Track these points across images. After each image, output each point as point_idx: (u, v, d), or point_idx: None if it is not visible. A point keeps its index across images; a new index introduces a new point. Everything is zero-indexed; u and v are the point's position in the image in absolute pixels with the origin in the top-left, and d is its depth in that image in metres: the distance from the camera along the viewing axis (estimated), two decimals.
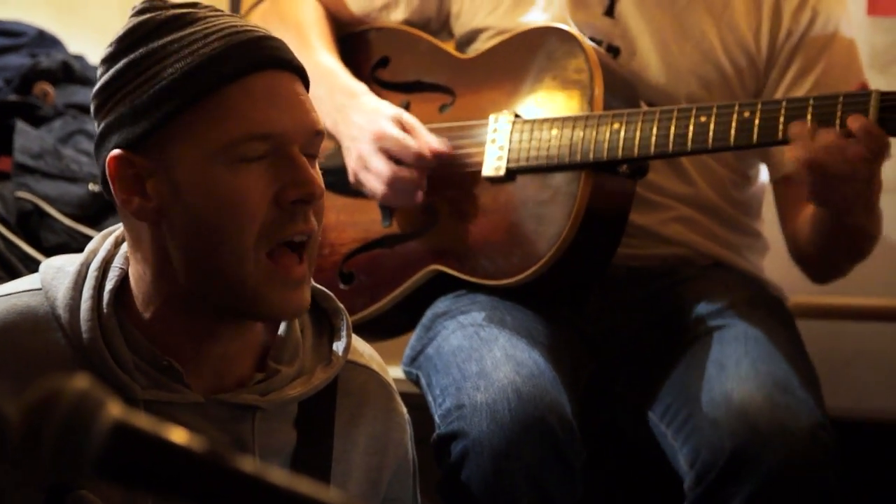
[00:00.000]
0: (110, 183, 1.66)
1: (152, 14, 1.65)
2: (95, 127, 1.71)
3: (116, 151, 1.63)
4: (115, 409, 0.92)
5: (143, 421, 0.93)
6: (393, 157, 2.22)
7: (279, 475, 0.91)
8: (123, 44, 1.65)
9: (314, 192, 1.62)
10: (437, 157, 2.22)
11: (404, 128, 2.24)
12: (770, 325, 2.17)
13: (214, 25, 1.63)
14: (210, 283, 1.65)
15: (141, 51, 1.63)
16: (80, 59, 3.01)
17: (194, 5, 1.67)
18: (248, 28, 1.64)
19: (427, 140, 2.22)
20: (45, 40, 3.05)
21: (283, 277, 1.64)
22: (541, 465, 2.03)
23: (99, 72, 1.68)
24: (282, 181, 1.62)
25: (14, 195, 2.71)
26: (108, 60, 1.67)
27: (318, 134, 1.66)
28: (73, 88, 2.92)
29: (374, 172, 2.24)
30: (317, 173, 1.65)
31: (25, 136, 2.77)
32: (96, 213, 2.75)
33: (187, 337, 1.68)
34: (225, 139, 1.62)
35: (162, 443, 0.92)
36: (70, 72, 2.94)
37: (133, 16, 1.67)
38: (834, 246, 2.21)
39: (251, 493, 0.92)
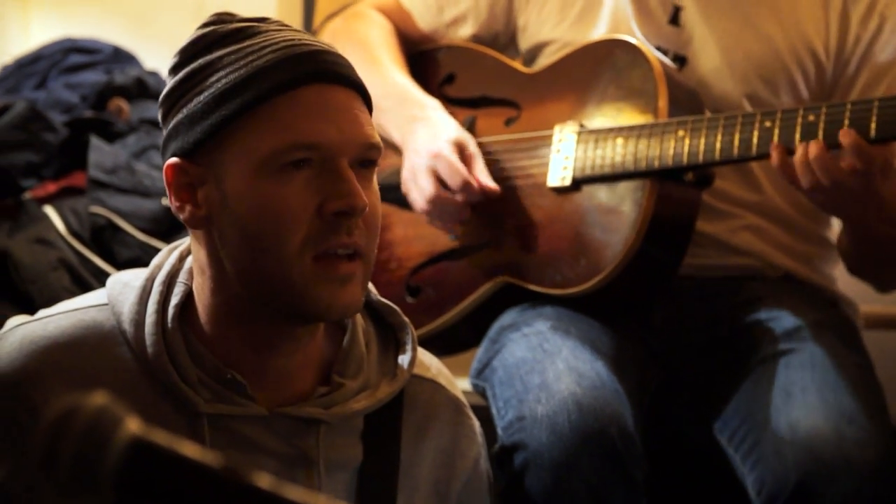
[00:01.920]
0: (167, 190, 1.68)
1: (215, 27, 1.66)
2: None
3: (173, 160, 1.66)
4: (133, 426, 0.92)
5: (160, 437, 0.93)
6: (441, 180, 2.23)
7: (295, 492, 0.92)
8: (185, 55, 1.67)
9: (355, 205, 1.61)
10: (484, 192, 2.23)
11: (464, 155, 2.26)
12: (839, 349, 2.14)
13: (272, 39, 1.63)
14: (261, 288, 1.64)
15: (200, 62, 1.65)
16: (154, 74, 3.07)
17: (262, 20, 1.67)
18: (306, 42, 1.64)
19: (479, 175, 2.23)
20: (120, 57, 3.11)
21: (330, 275, 1.63)
22: (601, 478, 2.02)
23: (168, 80, 1.71)
24: (325, 192, 1.61)
25: (88, 210, 2.75)
26: (172, 71, 1.69)
27: (372, 148, 1.65)
28: (146, 104, 2.98)
29: (419, 188, 2.25)
30: (371, 187, 1.65)
31: (99, 152, 2.81)
32: (169, 227, 2.78)
33: (248, 349, 1.68)
34: (272, 148, 1.62)
35: (179, 458, 0.93)
36: (144, 87, 3.00)
37: (199, 28, 1.68)
38: (866, 254, 2.19)
39: None
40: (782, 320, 2.19)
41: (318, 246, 1.62)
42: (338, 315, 1.68)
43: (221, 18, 1.68)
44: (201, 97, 1.65)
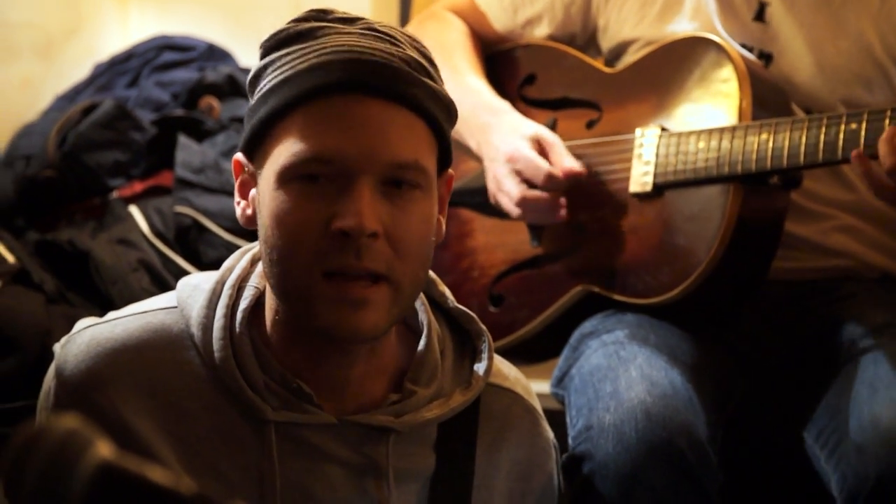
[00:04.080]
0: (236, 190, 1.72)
1: (293, 24, 1.65)
2: None
3: (237, 155, 1.68)
4: (103, 450, 0.92)
5: (130, 462, 0.92)
6: (525, 179, 2.23)
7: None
8: (261, 52, 1.68)
9: (359, 226, 1.58)
10: (571, 178, 2.22)
11: (542, 147, 2.25)
12: None
13: (329, 43, 1.61)
14: (285, 301, 1.65)
15: (265, 60, 1.65)
16: (247, 72, 3.01)
17: (349, 20, 1.64)
18: (358, 49, 1.60)
19: (562, 161, 2.23)
20: (214, 54, 3.13)
21: (341, 296, 1.60)
22: (669, 489, 1.99)
23: None
24: (333, 209, 1.58)
25: (173, 210, 2.76)
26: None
27: (402, 167, 1.60)
28: (238, 102, 2.99)
29: (506, 194, 2.26)
30: (406, 209, 1.62)
31: (187, 151, 2.83)
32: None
33: (308, 360, 1.67)
34: (290, 158, 1.60)
35: (149, 485, 0.93)
36: (236, 85, 3.00)
37: (287, 23, 1.68)
38: None
39: None
40: (875, 317, 2.17)
41: (324, 264, 1.59)
42: (341, 338, 1.65)
43: (306, 16, 1.66)
44: (254, 97, 1.65)
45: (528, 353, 2.33)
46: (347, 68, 1.60)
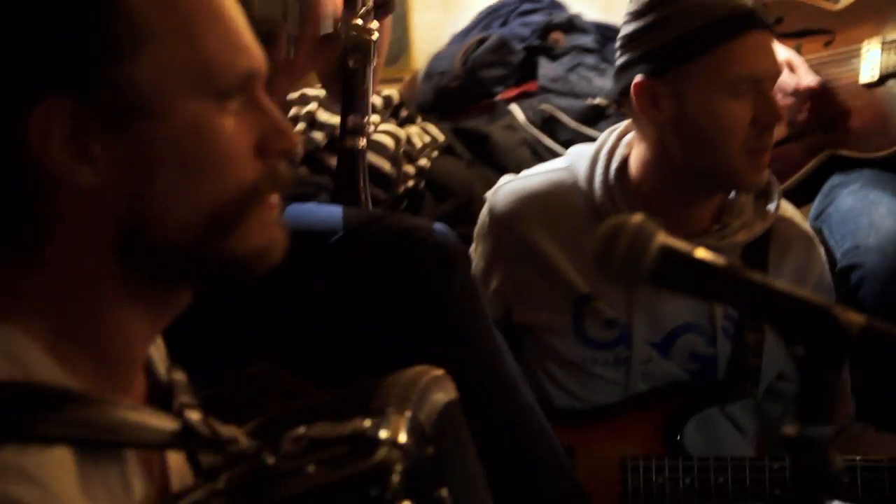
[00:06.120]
0: (633, 98, 1.91)
1: None
2: (616, 57, 1.98)
3: (639, 77, 1.91)
4: (661, 237, 0.98)
5: (680, 244, 0.98)
6: (781, 90, 2.43)
7: (780, 283, 0.97)
8: (653, 4, 1.91)
9: (780, 116, 1.84)
10: (811, 90, 2.49)
11: (791, 67, 2.50)
12: None
13: None
14: (703, 167, 1.86)
15: (667, 10, 1.87)
16: (577, 16, 3.50)
17: None
18: (740, 1, 1.88)
19: (805, 78, 2.49)
20: (555, 5, 3.58)
21: (756, 164, 1.86)
22: None
23: (628, 19, 1.94)
24: (757, 110, 1.86)
25: (538, 107, 3.18)
26: (640, 14, 1.93)
27: (780, 73, 1.89)
28: (574, 36, 3.40)
29: None
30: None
31: (545, 68, 3.29)
32: (592, 118, 3.13)
33: (674, 202, 1.92)
34: (726, 78, 1.85)
35: (695, 259, 0.98)
36: (573, 25, 3.44)
37: None
38: None
39: (761, 294, 0.97)
40: None
41: (750, 146, 1.84)
42: (755, 188, 1.93)
43: None
44: (669, 36, 1.87)
45: (790, 198, 2.34)
46: (750, 14, 1.86)
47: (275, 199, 1.07)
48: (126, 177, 0.99)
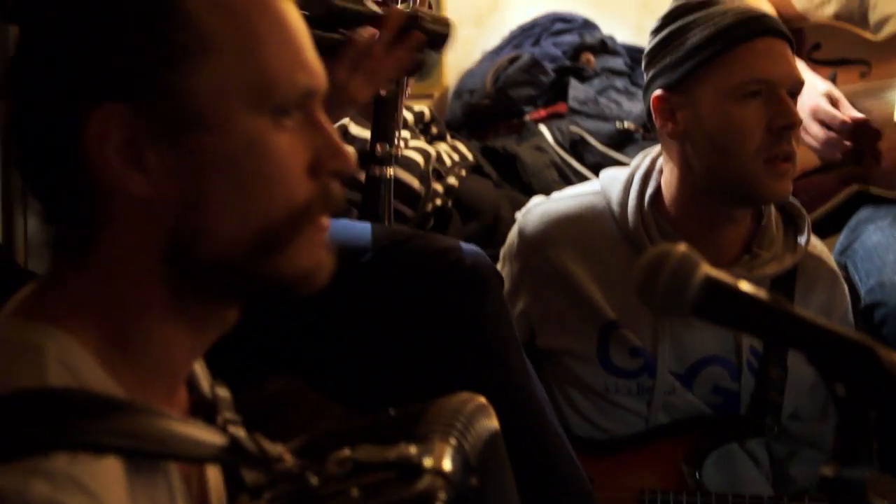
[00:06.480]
0: (653, 114, 1.92)
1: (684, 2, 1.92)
2: (644, 77, 1.99)
3: (658, 92, 1.92)
4: (705, 268, 0.98)
5: (725, 277, 0.98)
6: (825, 124, 2.45)
7: (820, 319, 0.96)
8: (667, 19, 1.94)
9: (794, 120, 1.84)
10: (857, 123, 2.46)
11: (833, 100, 2.48)
12: None
13: (728, 8, 1.90)
14: (723, 180, 1.85)
15: (679, 23, 1.90)
16: (611, 38, 3.51)
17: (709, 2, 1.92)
18: (752, 10, 1.91)
19: (849, 112, 2.46)
20: (587, 25, 3.57)
21: (775, 172, 1.86)
22: None
23: (649, 39, 1.97)
24: (770, 114, 1.86)
25: (567, 129, 3.15)
26: (656, 31, 1.95)
27: (800, 83, 1.90)
28: (606, 58, 3.42)
29: (812, 135, 2.47)
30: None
31: (576, 89, 3.26)
32: (621, 142, 3.12)
33: (703, 223, 1.91)
34: (735, 82, 1.86)
35: (738, 292, 0.98)
36: (605, 46, 3.45)
37: (674, 2, 1.94)
38: None
39: (803, 330, 0.96)
40: None
41: (767, 153, 1.84)
42: (776, 199, 1.91)
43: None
44: (682, 48, 1.87)
45: (816, 228, 2.32)
46: (760, 20, 1.87)
47: (325, 220, 1.06)
48: (178, 188, 0.98)
